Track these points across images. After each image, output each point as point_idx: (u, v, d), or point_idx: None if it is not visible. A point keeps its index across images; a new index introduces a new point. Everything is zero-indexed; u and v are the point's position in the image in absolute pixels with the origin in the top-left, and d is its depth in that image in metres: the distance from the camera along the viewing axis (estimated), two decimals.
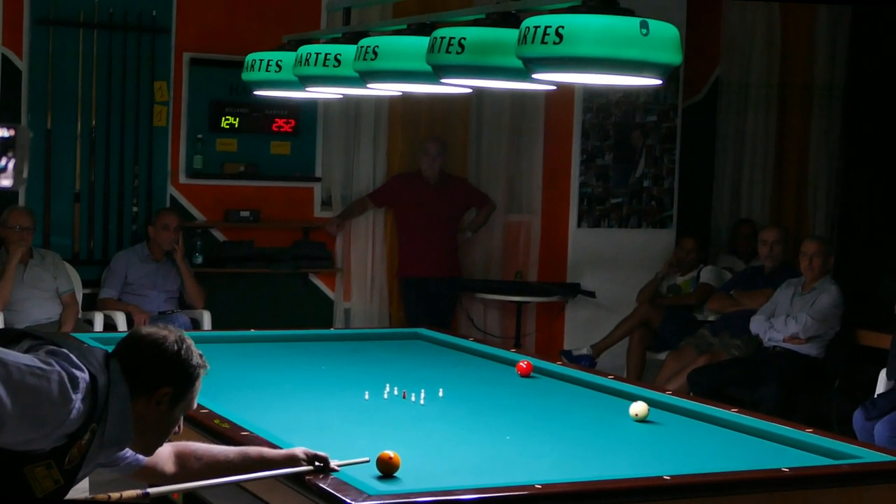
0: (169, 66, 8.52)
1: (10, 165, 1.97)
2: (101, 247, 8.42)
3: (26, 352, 3.01)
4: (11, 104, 8.10)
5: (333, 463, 3.45)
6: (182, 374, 3.21)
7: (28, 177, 2.05)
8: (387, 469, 3.49)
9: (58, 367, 2.96)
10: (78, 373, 2.99)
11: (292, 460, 3.46)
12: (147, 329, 3.27)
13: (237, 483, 3.52)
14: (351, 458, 3.53)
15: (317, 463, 3.44)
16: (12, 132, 1.98)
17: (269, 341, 5.91)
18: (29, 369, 2.91)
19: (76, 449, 3.04)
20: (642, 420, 4.40)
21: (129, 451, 3.34)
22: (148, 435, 3.22)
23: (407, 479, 3.45)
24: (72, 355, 3.02)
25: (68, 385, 2.95)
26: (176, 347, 3.21)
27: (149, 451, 3.31)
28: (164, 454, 3.46)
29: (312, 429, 4.09)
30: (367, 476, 3.40)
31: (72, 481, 3.09)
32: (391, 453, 3.52)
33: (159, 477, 3.44)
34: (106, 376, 3.08)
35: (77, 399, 2.96)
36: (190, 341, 3.27)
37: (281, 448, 3.57)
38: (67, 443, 3.01)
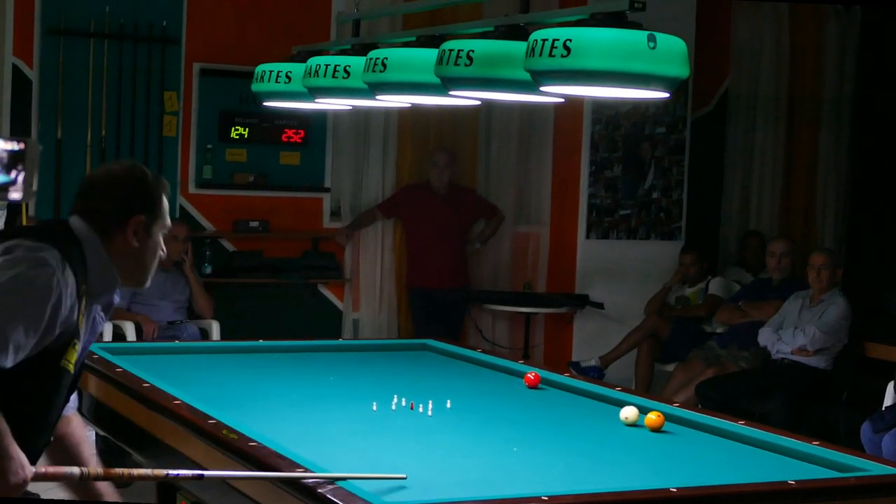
0: (179, 76, 8.55)
1: (20, 178, 1.99)
2: None
3: None
4: (22, 114, 8.13)
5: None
6: (145, 197, 3.23)
7: (37, 189, 2.07)
8: (655, 425, 4.26)
9: (24, 263, 3.00)
10: (43, 254, 3.02)
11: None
12: (94, 172, 3.31)
13: (241, 490, 3.53)
14: (359, 471, 3.52)
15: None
16: (22, 146, 2.00)
17: (277, 351, 5.91)
18: (4, 283, 2.96)
19: (80, 315, 3.12)
20: (632, 424, 4.43)
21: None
22: (136, 267, 3.28)
23: (414, 490, 3.45)
24: (26, 242, 3.05)
25: (41, 270, 2.99)
26: (126, 174, 3.24)
27: (143, 281, 3.35)
28: (78, 423, 3.58)
29: (320, 439, 4.09)
30: (373, 487, 3.40)
31: (80, 338, 3.19)
32: (654, 415, 4.28)
33: (64, 426, 3.50)
34: (70, 238, 3.12)
35: (57, 275, 3.02)
36: (140, 165, 3.30)
37: (286, 458, 3.58)
38: (76, 317, 3.09)
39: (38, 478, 3.01)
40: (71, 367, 3.17)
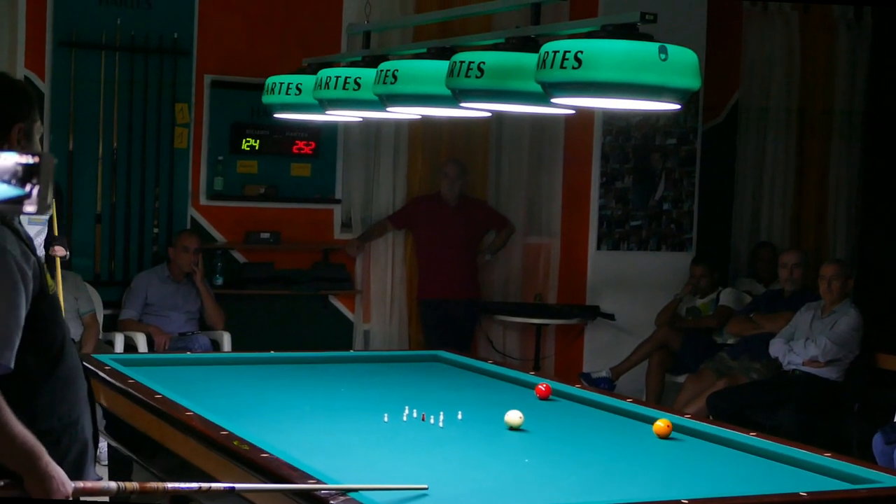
0: (190, 88, 8.57)
1: (35, 192, 1.99)
2: (121, 268, 8.46)
3: None
4: None
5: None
6: (19, 102, 3.15)
7: (52, 202, 2.07)
8: (662, 432, 4.40)
9: None
10: None
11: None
12: None
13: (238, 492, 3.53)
14: (372, 482, 3.52)
15: None
16: (37, 159, 2.01)
17: (288, 363, 5.92)
18: None
19: (27, 247, 3.06)
20: (516, 428, 4.43)
21: None
22: None
23: (424, 501, 3.45)
24: None
25: None
26: None
27: None
28: None
29: (331, 451, 4.09)
30: (383, 499, 3.40)
31: (41, 261, 3.14)
32: (662, 423, 4.40)
33: None
34: None
35: None
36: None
37: (298, 469, 3.58)
38: (29, 250, 3.05)
39: (77, 493, 3.01)
40: (51, 289, 3.12)
